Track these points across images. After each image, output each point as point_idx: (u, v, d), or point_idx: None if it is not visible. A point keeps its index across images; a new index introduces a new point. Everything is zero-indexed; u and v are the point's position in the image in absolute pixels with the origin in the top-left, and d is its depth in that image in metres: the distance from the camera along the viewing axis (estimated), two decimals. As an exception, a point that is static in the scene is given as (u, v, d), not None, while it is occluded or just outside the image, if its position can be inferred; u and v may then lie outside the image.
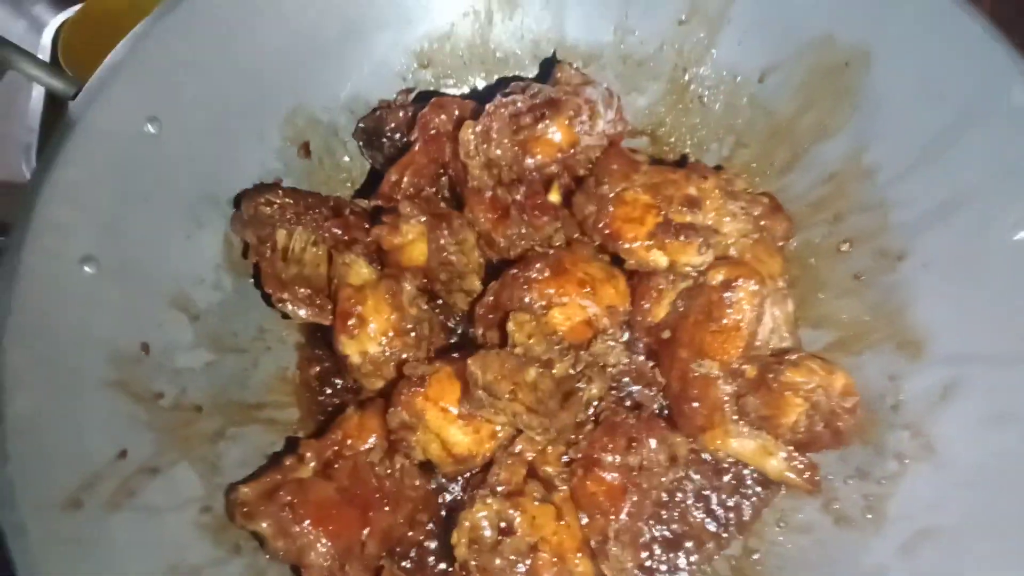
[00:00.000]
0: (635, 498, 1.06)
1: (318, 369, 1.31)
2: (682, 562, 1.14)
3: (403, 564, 1.14)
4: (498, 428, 1.16)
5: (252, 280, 1.28)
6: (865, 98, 1.21)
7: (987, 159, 1.08)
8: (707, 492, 1.20)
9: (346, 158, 1.41)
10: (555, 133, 1.21)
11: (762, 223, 1.25)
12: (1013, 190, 1.05)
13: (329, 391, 1.30)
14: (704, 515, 1.19)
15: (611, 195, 1.19)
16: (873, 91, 1.20)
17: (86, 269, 1.05)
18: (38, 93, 1.80)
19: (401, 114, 1.34)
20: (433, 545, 1.17)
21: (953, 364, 1.07)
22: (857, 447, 1.12)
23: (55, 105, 1.75)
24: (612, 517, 1.05)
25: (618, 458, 1.10)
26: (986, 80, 1.08)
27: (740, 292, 1.10)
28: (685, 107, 1.41)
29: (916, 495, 1.02)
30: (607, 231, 1.18)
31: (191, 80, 1.17)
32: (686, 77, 1.39)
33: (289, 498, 1.03)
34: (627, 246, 1.17)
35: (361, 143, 1.39)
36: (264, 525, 1.02)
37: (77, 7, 1.89)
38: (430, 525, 1.18)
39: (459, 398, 1.11)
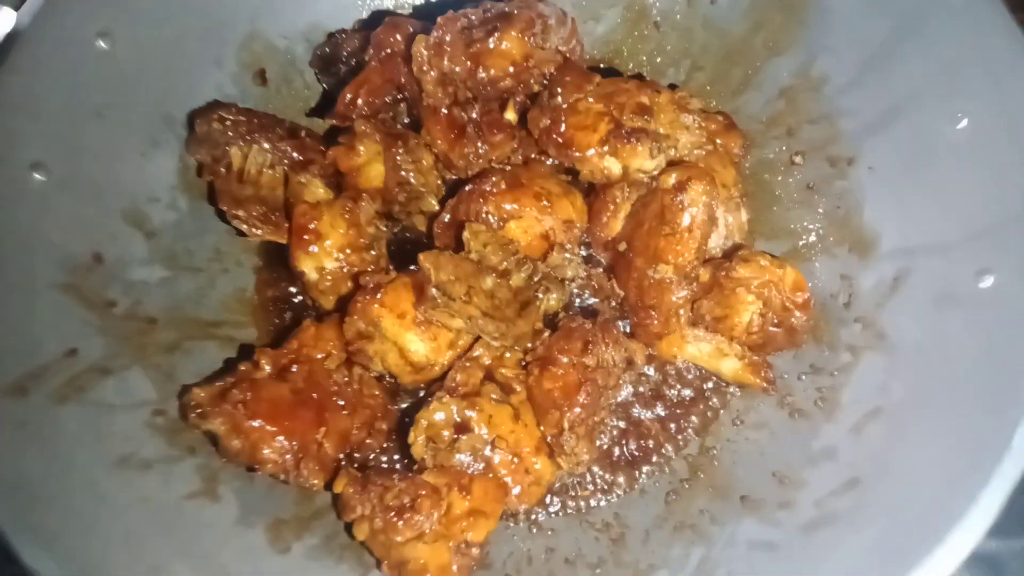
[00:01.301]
0: (590, 391, 1.06)
1: (275, 291, 1.30)
2: (641, 462, 1.14)
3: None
4: (456, 338, 1.16)
5: (208, 201, 1.28)
6: (813, 11, 1.24)
7: (927, 61, 1.10)
8: (664, 398, 1.20)
9: (303, 87, 1.41)
10: (507, 45, 1.21)
11: (717, 140, 1.27)
12: (952, 87, 1.07)
13: (287, 312, 1.29)
14: (661, 422, 1.19)
15: (564, 105, 1.20)
16: (820, 3, 1.23)
17: (36, 176, 1.06)
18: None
19: (357, 40, 1.35)
20: (394, 456, 1.16)
21: (901, 257, 1.09)
22: (811, 346, 1.14)
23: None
24: (566, 409, 1.05)
25: (574, 358, 1.10)
26: (925, -16, 1.10)
27: (691, 193, 1.11)
28: (641, 34, 1.43)
29: (867, 381, 1.03)
30: (561, 140, 1.19)
31: (145, -5, 1.18)
32: (641, 3, 1.41)
33: (242, 397, 1.02)
34: (580, 154, 1.18)
35: (317, 70, 1.39)
36: (217, 423, 1.02)
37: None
38: (389, 433, 1.17)
39: (415, 303, 1.11)
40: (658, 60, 1.43)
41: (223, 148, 1.24)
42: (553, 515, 1.13)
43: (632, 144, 1.15)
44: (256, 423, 1.01)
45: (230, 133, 1.23)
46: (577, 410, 1.06)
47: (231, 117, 1.23)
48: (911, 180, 1.11)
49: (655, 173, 1.17)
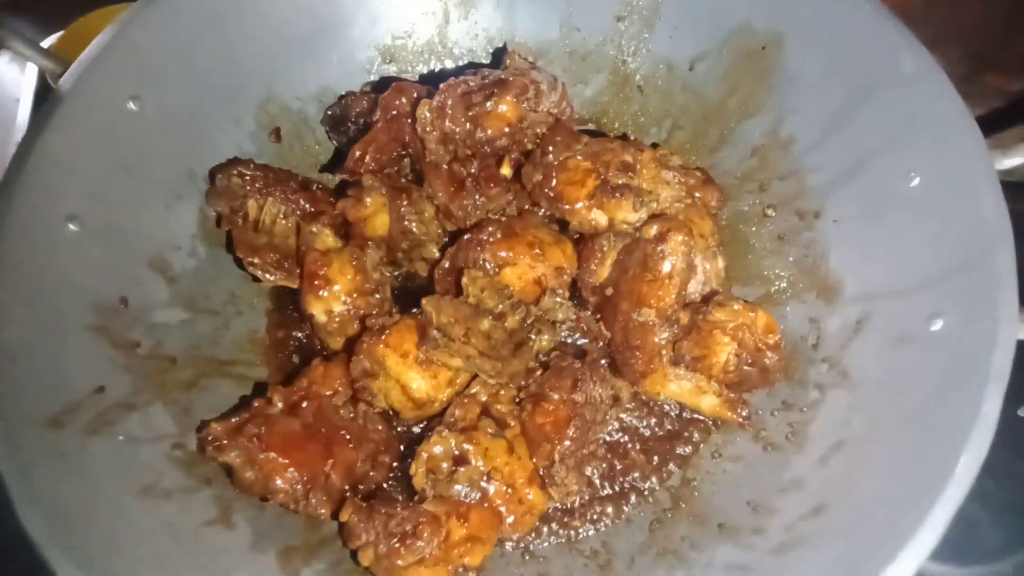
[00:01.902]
0: (579, 425, 1.15)
1: (286, 333, 1.40)
2: (628, 493, 1.22)
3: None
4: (455, 376, 1.25)
5: (225, 249, 1.38)
6: (780, 78, 1.36)
7: (884, 122, 1.21)
8: (648, 434, 1.29)
9: (315, 144, 1.53)
10: (503, 108, 1.33)
11: (696, 194, 1.38)
12: (905, 145, 1.18)
13: (296, 353, 1.38)
14: (646, 455, 1.27)
15: (555, 163, 1.32)
16: (786, 71, 1.35)
17: (71, 226, 1.15)
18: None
19: (365, 101, 1.47)
20: (396, 487, 1.23)
21: (862, 302, 1.18)
22: (782, 384, 1.23)
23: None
24: (557, 443, 1.13)
25: (564, 395, 1.19)
26: (881, 54, 1.22)
27: (671, 243, 1.22)
28: (626, 96, 1.55)
29: (832, 416, 1.12)
30: (552, 194, 1.30)
31: (172, 64, 1.30)
32: (626, 68, 1.53)
33: (256, 431, 1.11)
34: (570, 207, 1.29)
35: (328, 128, 1.51)
36: (233, 455, 1.10)
37: (59, 33, 1.99)
38: (392, 467, 1.25)
39: (417, 343, 1.21)
40: (641, 120, 1.55)
41: (241, 200, 1.34)
42: (544, 543, 1.20)
43: (617, 199, 1.26)
44: (269, 455, 1.09)
45: (248, 187, 1.33)
46: (567, 443, 1.14)
47: (248, 172, 1.33)
48: (870, 232, 1.21)
49: (638, 224, 1.27)
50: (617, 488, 1.25)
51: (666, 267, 1.23)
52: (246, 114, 1.43)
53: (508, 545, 1.19)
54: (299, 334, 1.40)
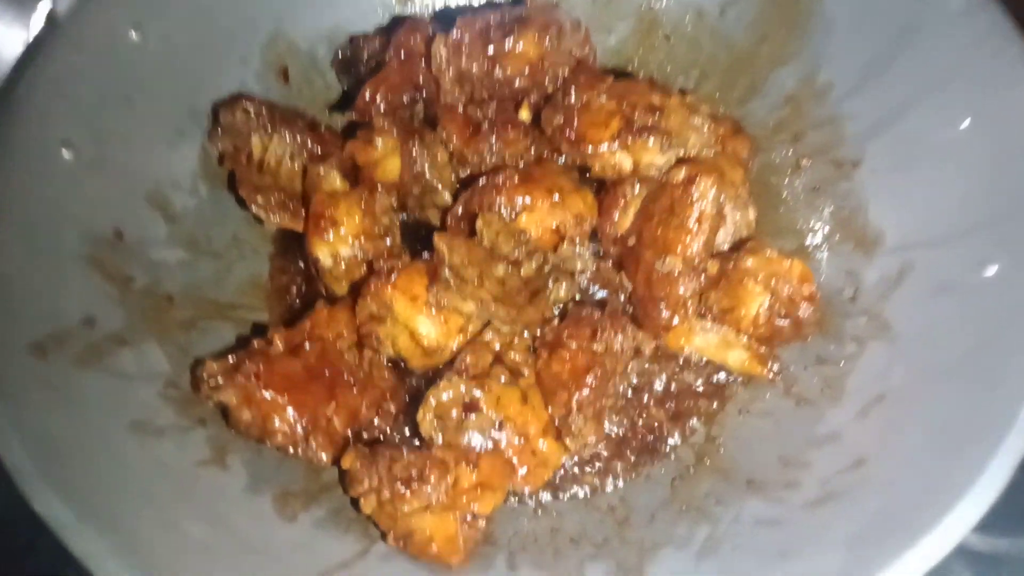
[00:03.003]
0: (598, 374, 1.08)
1: (289, 278, 1.33)
2: (648, 450, 1.15)
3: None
4: (466, 323, 1.18)
5: (228, 191, 1.32)
6: (816, 22, 1.29)
7: (928, 64, 1.14)
8: (671, 389, 1.22)
9: (324, 87, 1.46)
10: (523, 47, 1.26)
11: (726, 144, 1.31)
12: (954, 87, 1.10)
13: (300, 300, 1.32)
14: (668, 412, 1.20)
15: (578, 104, 1.25)
16: (823, 15, 1.28)
17: (65, 152, 1.10)
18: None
19: (377, 43, 1.40)
20: (401, 437, 1.17)
21: (904, 251, 1.11)
22: (817, 339, 1.15)
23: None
24: (574, 391, 1.06)
25: (583, 343, 1.12)
26: (926, -11, 1.15)
27: (700, 186, 1.14)
28: (651, 44, 1.48)
29: (871, 369, 1.05)
30: (574, 136, 1.23)
31: (177, -6, 1.23)
32: (652, 15, 1.46)
33: (255, 369, 1.04)
34: (592, 149, 1.22)
35: (338, 70, 1.44)
36: (229, 394, 1.03)
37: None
38: (398, 416, 1.18)
39: (427, 286, 1.14)
40: (668, 69, 1.48)
41: (245, 138, 1.28)
42: (559, 499, 1.13)
43: (643, 139, 1.18)
44: (268, 394, 1.03)
45: (252, 123, 1.27)
46: (585, 391, 1.07)
47: (253, 108, 1.27)
48: (913, 180, 1.14)
49: (665, 169, 1.20)
50: (636, 444, 1.17)
51: (694, 212, 1.15)
52: (253, 52, 1.37)
53: (519, 499, 1.12)
54: (303, 280, 1.33)
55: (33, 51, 1.08)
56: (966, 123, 1.08)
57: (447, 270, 1.09)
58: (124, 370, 1.02)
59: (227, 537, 0.89)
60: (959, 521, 0.77)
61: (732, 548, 0.92)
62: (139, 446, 0.93)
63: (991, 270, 0.96)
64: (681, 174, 1.17)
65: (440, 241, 1.09)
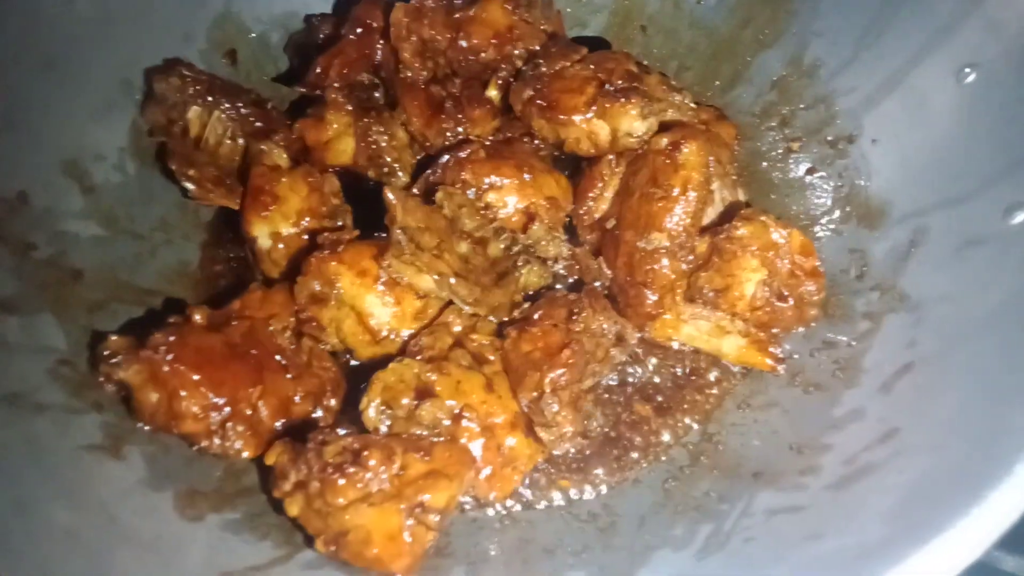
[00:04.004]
0: (575, 350, 0.92)
1: (222, 267, 1.17)
2: (634, 451, 0.97)
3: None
4: (423, 307, 1.02)
5: (160, 173, 1.17)
6: (800, 0, 1.21)
7: (924, 24, 1.06)
8: (659, 383, 1.06)
9: (275, 72, 1.35)
10: (490, 14, 1.17)
11: (709, 129, 1.20)
12: (952, 45, 1.02)
13: (232, 290, 1.15)
14: (656, 410, 1.03)
15: (550, 72, 1.14)
16: (809, -10, 1.20)
17: (-36, 101, 0.95)
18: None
19: (333, 24, 1.30)
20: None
21: (914, 218, 1.00)
22: (822, 322, 1.01)
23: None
24: (548, 370, 0.90)
25: (558, 323, 0.97)
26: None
27: (686, 151, 1.02)
28: (628, 37, 1.40)
29: (891, 342, 0.91)
30: (545, 104, 1.11)
31: (116, -44, 1.13)
32: (628, 7, 1.39)
33: (164, 341, 0.87)
34: (566, 117, 1.10)
35: (291, 55, 1.33)
36: (133, 370, 0.85)
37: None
38: (339, 413, 1.00)
39: (378, 256, 0.99)
40: (646, 62, 1.39)
41: (180, 109, 1.15)
42: (531, 508, 0.94)
43: (621, 103, 1.07)
44: (178, 369, 0.85)
45: (190, 91, 1.14)
46: (560, 371, 0.91)
47: (191, 74, 1.15)
48: (918, 143, 1.04)
49: (646, 137, 1.08)
50: (621, 446, 1.00)
51: (679, 181, 1.03)
52: (198, 29, 1.26)
53: (483, 509, 0.93)
54: (239, 268, 1.17)
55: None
56: (971, 77, 0.98)
57: (399, 232, 0.94)
58: (3, 338, 0.85)
59: (104, 525, 0.70)
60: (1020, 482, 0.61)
61: (744, 541, 0.75)
62: (5, 420, 0.76)
63: (1018, 217, 0.84)
64: (664, 141, 1.05)
65: (391, 193, 0.94)
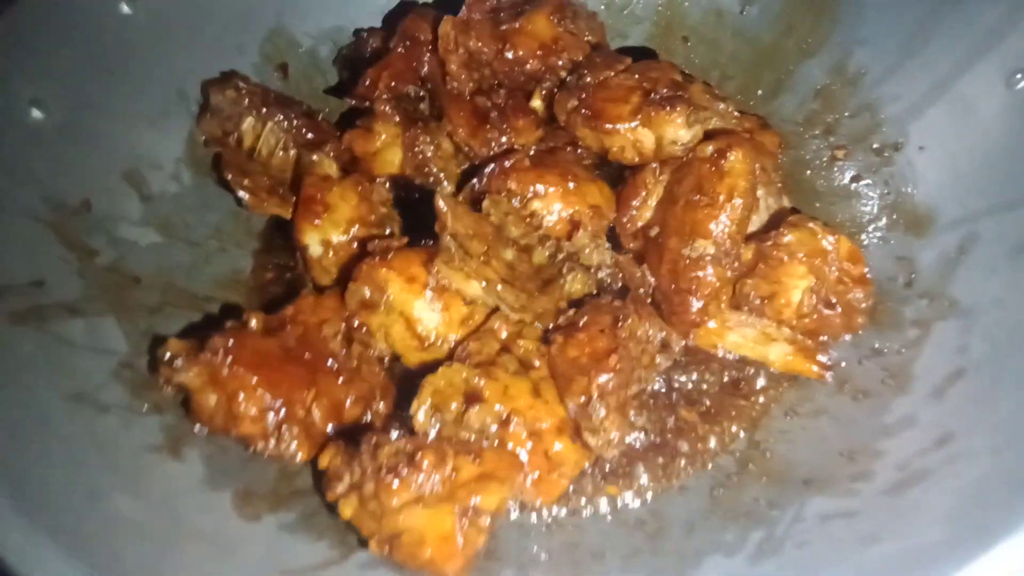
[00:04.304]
0: (623, 357, 0.92)
1: (273, 275, 1.20)
2: (681, 459, 0.98)
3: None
4: (470, 314, 1.04)
5: (215, 183, 1.21)
6: (844, 8, 1.22)
7: (972, 30, 1.05)
8: (706, 390, 1.06)
9: (325, 85, 1.38)
10: (536, 26, 1.19)
11: (752, 138, 1.21)
12: (1001, 50, 1.01)
13: (284, 298, 1.18)
14: (702, 417, 1.04)
15: (594, 83, 1.15)
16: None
17: (34, 112, 1.00)
18: None
19: (382, 37, 1.33)
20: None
21: (964, 224, 0.99)
22: (870, 330, 1.00)
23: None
24: (595, 375, 0.91)
25: (604, 328, 0.97)
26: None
27: (732, 158, 1.03)
28: (669, 48, 1.41)
29: (942, 348, 0.90)
30: (590, 113, 1.13)
31: (174, -30, 1.17)
32: (670, 17, 1.40)
33: (223, 344, 0.89)
34: (611, 126, 1.11)
35: (341, 69, 1.37)
36: (192, 373, 0.88)
37: None
38: (389, 418, 1.02)
39: (427, 262, 1.00)
40: (688, 73, 1.40)
41: (235, 121, 1.19)
42: (577, 515, 0.95)
43: (667, 110, 1.08)
44: (236, 371, 0.88)
45: (245, 103, 1.18)
46: (607, 376, 0.92)
47: (246, 86, 1.18)
48: (966, 149, 1.04)
49: (691, 145, 1.09)
50: (667, 453, 1.00)
51: (725, 187, 1.03)
52: (251, 43, 1.30)
53: (532, 516, 0.94)
54: (290, 276, 1.20)
55: (8, 4, 1.00)
56: (1022, 83, 0.97)
57: (449, 238, 0.96)
58: (71, 339, 0.88)
59: (168, 520, 0.72)
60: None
61: (797, 546, 0.75)
62: (74, 415, 0.79)
63: (1073, 220, 0.83)
64: (709, 148, 1.06)
65: (442, 200, 0.96)
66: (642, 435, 1.01)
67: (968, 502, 0.65)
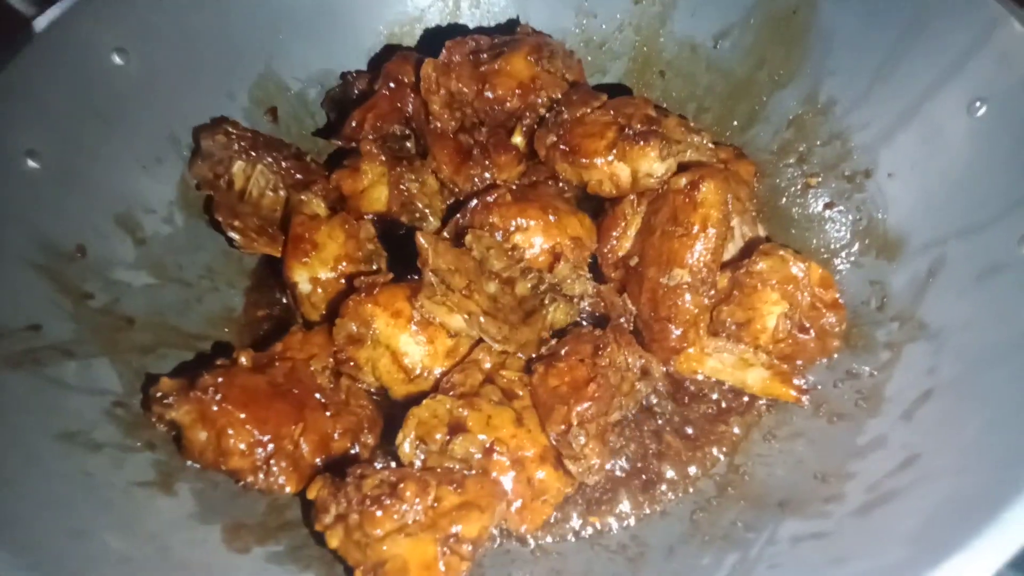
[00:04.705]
0: (601, 385, 0.95)
1: (264, 312, 1.23)
2: (662, 483, 1.00)
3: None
4: (455, 346, 1.07)
5: (206, 223, 1.25)
6: (815, 39, 1.26)
7: (935, 60, 1.09)
8: (686, 415, 1.08)
9: (314, 127, 1.42)
10: (514, 66, 1.23)
11: (728, 168, 1.24)
12: (963, 79, 1.05)
13: (275, 334, 1.21)
14: (683, 443, 1.06)
15: (571, 120, 1.19)
16: (821, 30, 1.24)
17: (30, 162, 1.04)
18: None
19: (367, 80, 1.38)
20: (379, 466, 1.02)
21: (933, 248, 1.02)
22: (844, 353, 1.03)
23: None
24: (574, 404, 0.93)
25: (584, 357, 1.00)
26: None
27: (705, 189, 1.06)
28: (647, 82, 1.46)
29: (912, 370, 0.92)
30: (567, 148, 1.17)
31: (165, 23, 1.22)
32: (646, 53, 1.44)
33: (213, 382, 0.92)
34: (588, 160, 1.15)
35: (329, 111, 1.41)
36: (183, 410, 0.91)
37: None
38: (376, 449, 1.04)
39: (411, 297, 1.03)
40: (664, 106, 1.44)
41: (226, 164, 1.22)
42: (561, 540, 0.97)
43: (641, 145, 1.11)
44: (225, 408, 0.90)
45: (235, 147, 1.22)
46: (587, 404, 0.94)
47: (236, 131, 1.22)
48: (934, 174, 1.06)
49: (666, 177, 1.13)
50: (649, 479, 1.02)
51: (699, 218, 1.06)
52: (240, 88, 1.34)
53: (515, 541, 0.95)
54: (280, 312, 1.23)
55: (4, 58, 1.04)
56: (982, 110, 1.01)
57: (431, 275, 0.99)
58: (64, 380, 0.91)
59: (156, 555, 0.74)
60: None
61: (769, 567, 0.76)
62: (64, 455, 0.82)
63: (1033, 243, 0.86)
64: (683, 180, 1.09)
65: (423, 238, 1.00)
66: (625, 462, 1.03)
67: (928, 522, 0.67)
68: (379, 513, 0.80)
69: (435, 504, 0.83)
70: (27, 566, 0.62)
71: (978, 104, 1.02)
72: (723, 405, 1.08)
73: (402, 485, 0.82)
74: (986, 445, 0.72)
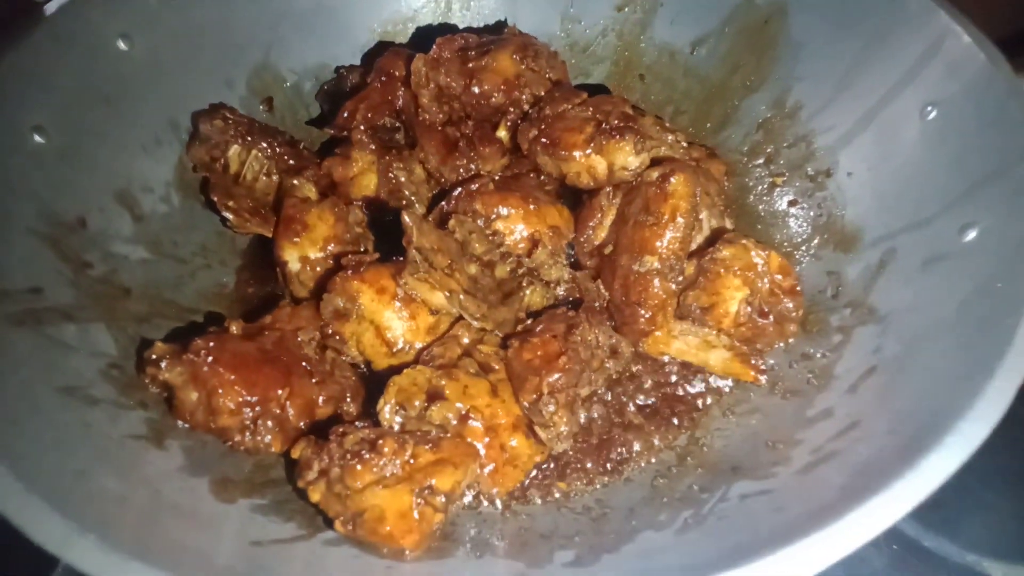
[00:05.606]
0: (571, 357, 1.01)
1: (255, 289, 1.29)
2: (627, 456, 1.06)
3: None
4: (436, 323, 1.13)
5: (202, 205, 1.30)
6: (785, 48, 1.33)
7: (892, 69, 1.16)
8: (652, 394, 1.14)
9: (308, 117, 1.48)
10: (500, 63, 1.30)
11: (700, 166, 1.31)
12: (916, 86, 1.12)
13: (265, 309, 1.26)
14: (648, 419, 1.12)
15: (553, 115, 1.26)
16: (791, 40, 1.32)
17: (36, 137, 1.09)
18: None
19: (360, 73, 1.44)
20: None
21: (884, 241, 1.09)
22: (801, 338, 1.10)
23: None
24: (546, 374, 0.99)
25: (557, 334, 1.06)
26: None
27: (675, 182, 1.13)
28: (627, 85, 1.53)
29: (860, 350, 0.99)
30: (548, 141, 1.23)
31: (169, 12, 1.28)
32: (628, 58, 1.52)
33: (205, 346, 0.98)
34: (567, 153, 1.22)
35: (323, 103, 1.48)
36: (176, 372, 0.96)
37: None
38: (358, 417, 1.10)
39: (396, 275, 1.09)
40: (644, 107, 1.51)
41: (222, 148, 1.28)
42: (529, 503, 1.02)
43: (617, 139, 1.18)
44: (216, 370, 0.96)
45: (231, 132, 1.28)
46: (557, 375, 1.00)
47: (233, 117, 1.28)
48: (887, 175, 1.14)
49: (640, 170, 1.19)
50: (616, 450, 1.08)
51: (668, 208, 1.13)
52: (239, 77, 1.41)
53: (486, 503, 1.01)
54: (270, 289, 1.28)
55: (16, 39, 1.10)
56: (932, 114, 1.08)
57: (415, 251, 1.05)
58: (64, 341, 0.96)
59: (149, 498, 0.80)
60: (967, 438, 0.70)
61: (718, 519, 0.83)
62: (65, 406, 0.86)
63: (971, 234, 0.94)
64: (655, 173, 1.16)
65: (408, 216, 1.06)
66: (592, 436, 1.09)
67: (858, 473, 0.74)
68: (359, 467, 0.86)
69: (412, 460, 0.89)
70: (40, 494, 0.68)
71: (929, 108, 1.09)
72: (687, 384, 1.15)
73: (381, 441, 0.88)
74: (914, 411, 0.79)
